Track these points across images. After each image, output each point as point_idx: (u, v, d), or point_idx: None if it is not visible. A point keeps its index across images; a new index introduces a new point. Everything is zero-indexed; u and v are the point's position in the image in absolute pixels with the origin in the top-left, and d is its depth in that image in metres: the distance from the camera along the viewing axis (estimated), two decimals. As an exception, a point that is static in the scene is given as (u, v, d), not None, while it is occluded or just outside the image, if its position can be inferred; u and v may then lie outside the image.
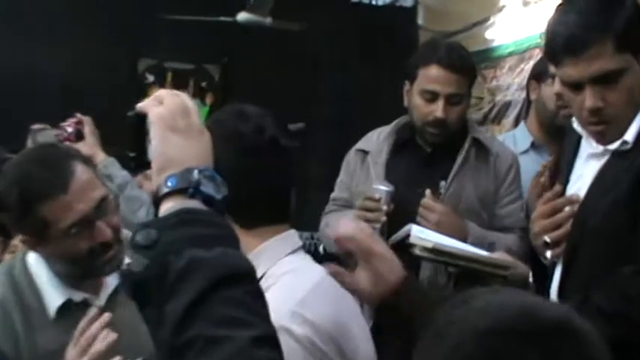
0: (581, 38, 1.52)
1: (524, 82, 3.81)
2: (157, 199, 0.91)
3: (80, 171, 1.56)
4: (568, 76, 1.58)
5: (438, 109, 2.26)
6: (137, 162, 0.99)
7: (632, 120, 1.58)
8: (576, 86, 1.59)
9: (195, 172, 0.90)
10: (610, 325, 1.36)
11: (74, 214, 1.52)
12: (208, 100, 4.46)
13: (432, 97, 2.27)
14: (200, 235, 0.85)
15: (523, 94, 3.85)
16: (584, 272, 1.59)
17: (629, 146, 1.58)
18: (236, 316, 0.80)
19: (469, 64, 2.34)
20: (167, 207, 0.90)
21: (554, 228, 1.67)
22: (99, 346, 1.48)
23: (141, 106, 0.98)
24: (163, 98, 0.97)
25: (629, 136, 1.58)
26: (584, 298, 1.49)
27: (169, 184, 0.90)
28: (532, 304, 0.80)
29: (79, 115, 2.45)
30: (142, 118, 0.96)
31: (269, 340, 0.81)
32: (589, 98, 1.56)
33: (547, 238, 1.68)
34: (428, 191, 2.22)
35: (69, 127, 2.40)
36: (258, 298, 0.85)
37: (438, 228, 2.07)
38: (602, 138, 1.64)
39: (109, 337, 1.49)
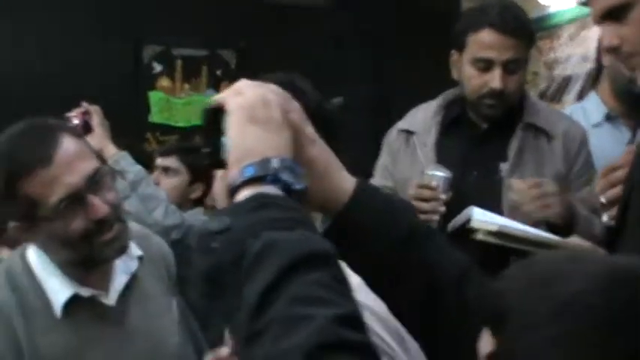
0: None
1: (588, 52, 3.80)
2: (233, 190, 0.94)
3: (67, 142, 1.58)
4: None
5: (494, 79, 2.24)
6: (211, 159, 1.02)
7: None
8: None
9: (275, 160, 0.94)
10: None
11: (61, 187, 1.54)
12: (224, 90, 4.47)
13: (486, 65, 2.26)
14: (278, 219, 0.88)
15: (587, 67, 3.82)
16: (631, 237, 1.57)
17: None
18: (317, 295, 0.81)
19: (526, 24, 2.32)
20: (242, 195, 0.93)
21: (610, 187, 1.68)
22: None
23: (218, 97, 1.02)
24: (243, 89, 1.01)
25: None
26: None
27: (246, 173, 0.94)
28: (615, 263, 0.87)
29: (86, 105, 2.48)
30: (218, 112, 1.00)
31: (355, 320, 0.81)
32: (603, 38, 1.64)
33: (603, 199, 1.68)
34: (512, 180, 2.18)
35: (75, 118, 2.43)
36: (341, 280, 0.86)
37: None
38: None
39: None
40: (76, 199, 1.56)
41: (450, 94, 2.45)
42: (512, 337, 0.84)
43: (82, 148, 1.62)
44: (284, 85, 1.32)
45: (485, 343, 0.88)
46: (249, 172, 0.94)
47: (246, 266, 0.84)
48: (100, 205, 1.58)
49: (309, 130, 1.07)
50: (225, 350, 1.45)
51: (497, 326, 0.87)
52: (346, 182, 1.09)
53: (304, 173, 0.97)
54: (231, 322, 0.86)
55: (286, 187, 0.94)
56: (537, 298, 0.84)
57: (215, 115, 1.01)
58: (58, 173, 1.54)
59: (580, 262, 0.87)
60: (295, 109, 1.06)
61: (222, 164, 1.00)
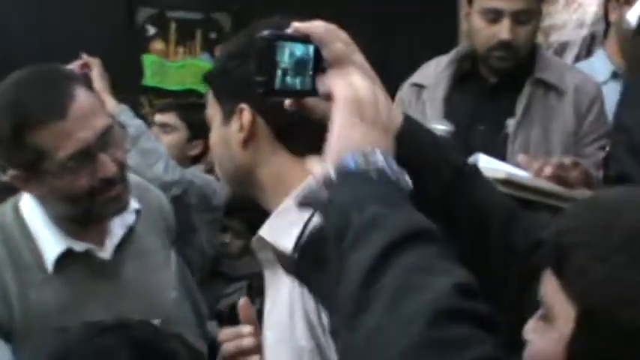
0: None
1: (585, 16, 3.75)
2: (328, 181, 0.90)
3: (82, 95, 1.50)
4: None
5: (502, 30, 2.18)
6: (265, 88, 0.97)
7: None
8: None
9: (379, 152, 0.89)
10: None
11: (73, 143, 1.46)
12: (218, 53, 4.40)
13: (495, 16, 2.20)
14: (384, 195, 0.84)
15: (582, 32, 3.78)
16: None
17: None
18: (432, 265, 0.78)
19: (539, -26, 2.26)
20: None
21: None
22: None
23: (300, 26, 0.98)
24: (354, 80, 0.96)
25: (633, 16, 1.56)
26: None
27: (350, 163, 0.88)
28: None
29: (85, 57, 2.40)
30: (273, 40, 0.96)
31: (473, 289, 0.77)
32: None
33: None
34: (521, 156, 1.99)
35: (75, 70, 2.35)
36: (449, 256, 0.82)
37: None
38: None
39: None
40: (86, 156, 1.49)
41: (463, 47, 2.40)
42: (581, 271, 0.83)
43: (95, 102, 1.55)
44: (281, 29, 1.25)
45: (548, 284, 0.86)
46: (353, 165, 0.88)
47: (352, 236, 0.81)
48: (108, 163, 1.51)
49: (359, 58, 1.02)
50: (247, 328, 1.35)
51: (561, 264, 0.85)
52: (395, 116, 1.04)
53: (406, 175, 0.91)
54: (328, 296, 0.83)
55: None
56: (604, 230, 0.83)
57: (269, 44, 0.95)
58: (71, 127, 1.46)
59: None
60: (344, 38, 1.01)
61: (275, 93, 0.96)
